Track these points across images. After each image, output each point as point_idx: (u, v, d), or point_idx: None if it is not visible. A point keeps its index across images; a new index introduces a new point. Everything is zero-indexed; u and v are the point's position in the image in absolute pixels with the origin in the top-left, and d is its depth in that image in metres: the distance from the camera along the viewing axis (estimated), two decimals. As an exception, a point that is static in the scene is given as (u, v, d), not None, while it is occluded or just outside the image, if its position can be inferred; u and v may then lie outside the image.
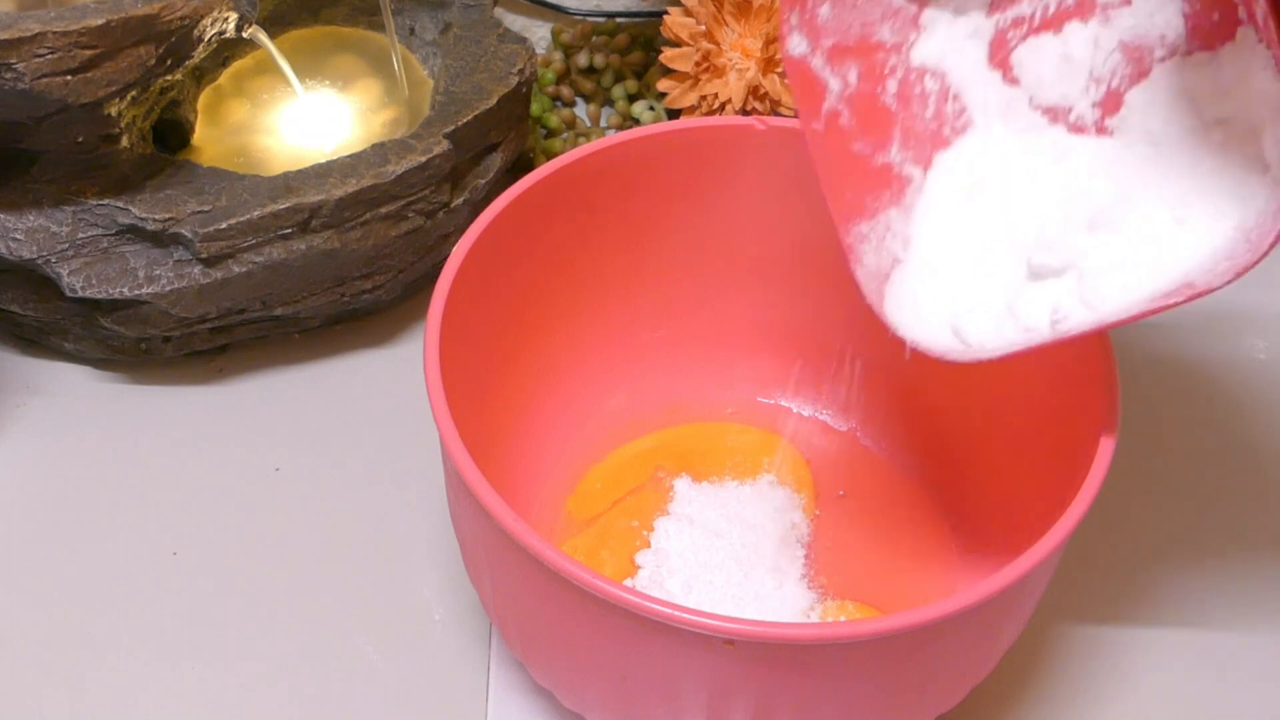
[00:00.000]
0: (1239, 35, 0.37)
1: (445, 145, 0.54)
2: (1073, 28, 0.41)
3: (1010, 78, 0.42)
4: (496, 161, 0.57)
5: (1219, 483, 0.53)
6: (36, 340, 0.56)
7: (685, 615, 0.34)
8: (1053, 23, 0.41)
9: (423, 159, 0.53)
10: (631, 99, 0.67)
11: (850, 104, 0.42)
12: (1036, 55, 0.42)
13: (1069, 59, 0.41)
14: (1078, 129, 0.41)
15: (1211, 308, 0.60)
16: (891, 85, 0.42)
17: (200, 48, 0.51)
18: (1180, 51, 0.39)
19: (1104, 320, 0.37)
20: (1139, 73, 0.40)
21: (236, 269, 0.51)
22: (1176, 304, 0.35)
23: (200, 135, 0.58)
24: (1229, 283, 0.34)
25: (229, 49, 0.60)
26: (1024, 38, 0.42)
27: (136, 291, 0.51)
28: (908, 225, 0.42)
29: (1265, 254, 0.34)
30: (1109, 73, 0.40)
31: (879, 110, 0.42)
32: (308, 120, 0.59)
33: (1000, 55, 0.42)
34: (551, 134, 0.66)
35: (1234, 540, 0.51)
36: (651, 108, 0.66)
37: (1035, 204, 0.41)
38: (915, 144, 0.43)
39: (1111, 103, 0.40)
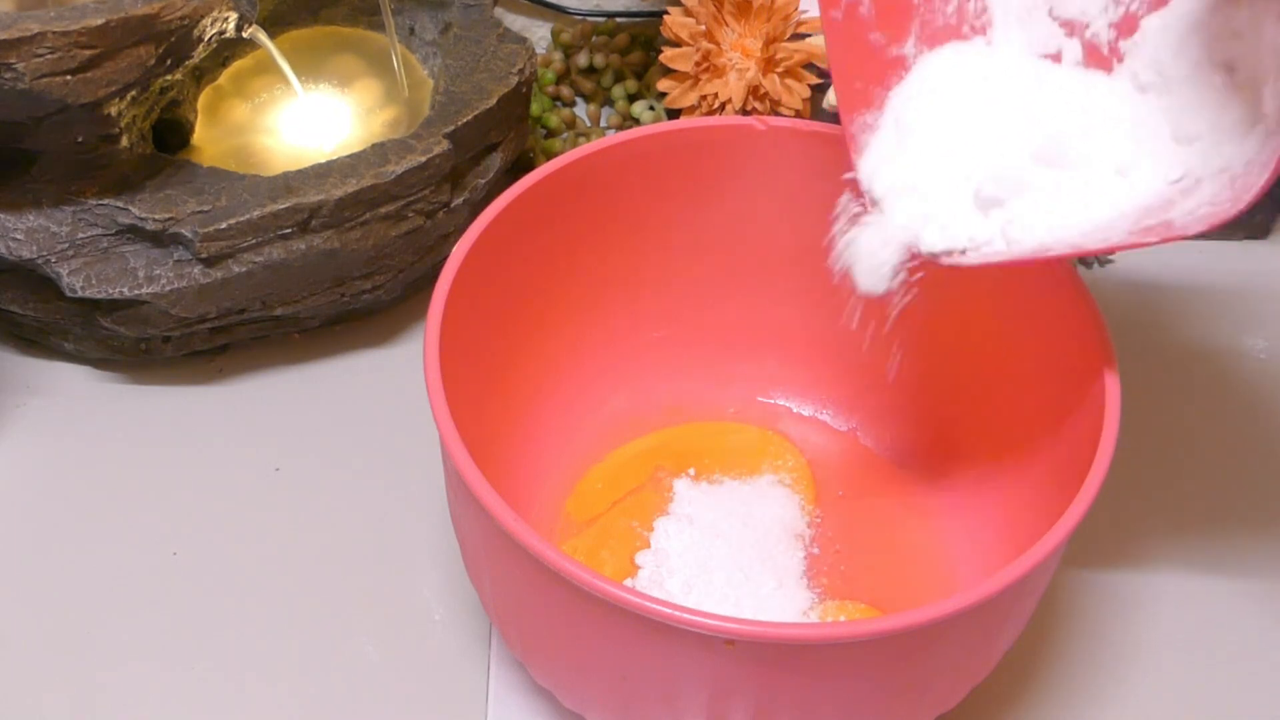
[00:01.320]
0: None
1: (445, 145, 0.54)
2: None
3: None
4: (496, 161, 0.57)
5: (1220, 484, 0.53)
6: (36, 340, 0.56)
7: (685, 615, 0.34)
8: None
9: (423, 159, 0.53)
10: (631, 99, 0.67)
11: None
12: None
13: None
14: (1092, 48, 0.41)
15: (1212, 308, 0.60)
16: None
17: (200, 48, 0.51)
18: None
19: (1019, 255, 0.38)
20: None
21: (236, 269, 0.51)
22: (1151, 243, 0.36)
23: (200, 135, 0.58)
24: (1208, 229, 0.35)
25: (229, 49, 0.60)
26: None
27: (136, 291, 0.51)
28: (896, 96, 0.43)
29: (1248, 205, 0.34)
30: None
31: (900, 2, 0.42)
32: (308, 120, 0.59)
33: None
34: (551, 134, 0.66)
35: (1238, 544, 0.51)
36: (651, 108, 0.66)
37: (1003, 126, 0.41)
38: (932, 39, 0.43)
39: (1128, 26, 0.41)
